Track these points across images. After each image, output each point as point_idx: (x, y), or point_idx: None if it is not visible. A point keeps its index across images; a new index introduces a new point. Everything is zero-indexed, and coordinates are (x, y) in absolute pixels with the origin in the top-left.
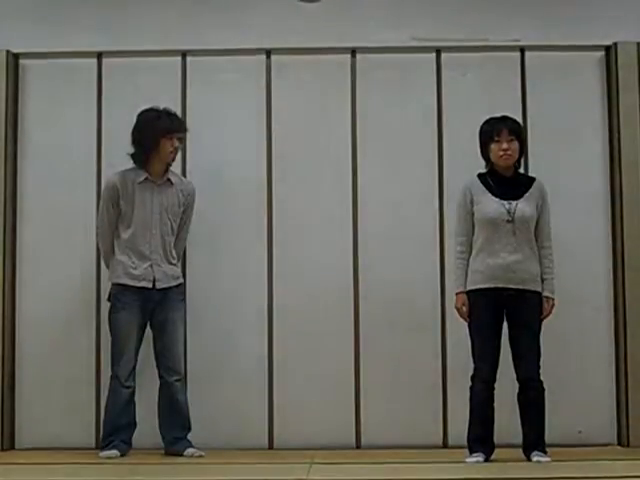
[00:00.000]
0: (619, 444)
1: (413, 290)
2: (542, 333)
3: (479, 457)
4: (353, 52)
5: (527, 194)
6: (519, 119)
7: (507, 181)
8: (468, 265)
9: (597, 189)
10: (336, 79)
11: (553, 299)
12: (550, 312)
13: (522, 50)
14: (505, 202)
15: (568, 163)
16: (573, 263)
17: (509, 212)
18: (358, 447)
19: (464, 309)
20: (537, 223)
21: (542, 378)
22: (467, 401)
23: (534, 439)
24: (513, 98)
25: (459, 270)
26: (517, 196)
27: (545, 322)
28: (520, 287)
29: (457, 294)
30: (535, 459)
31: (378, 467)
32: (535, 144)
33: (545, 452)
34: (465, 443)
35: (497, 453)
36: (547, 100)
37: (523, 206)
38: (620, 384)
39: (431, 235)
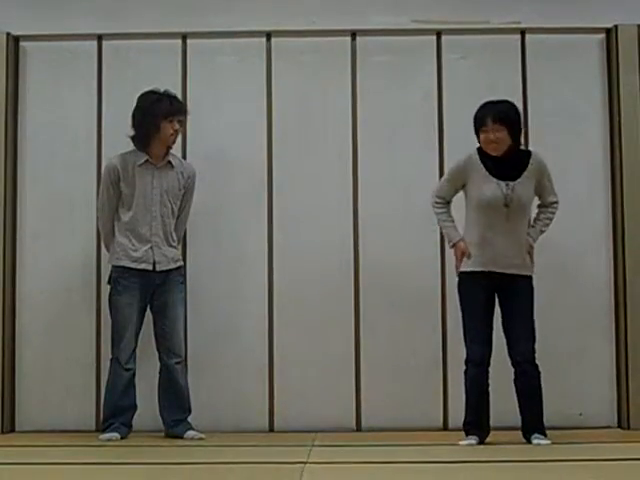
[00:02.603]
0: (619, 427)
1: (413, 272)
2: (542, 315)
3: (472, 440)
4: (353, 35)
5: (525, 173)
6: (519, 102)
7: (504, 160)
8: (452, 217)
9: (598, 171)
10: (336, 62)
11: (531, 244)
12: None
13: (522, 32)
14: (503, 184)
15: (568, 146)
16: (573, 245)
17: (506, 197)
18: (358, 429)
19: (464, 258)
20: (540, 193)
21: (538, 362)
22: None
23: (533, 422)
24: (513, 81)
25: (446, 223)
26: (515, 176)
27: (545, 304)
28: (512, 272)
29: (455, 244)
30: (535, 442)
31: (378, 449)
32: (535, 126)
33: (545, 435)
34: None
35: (498, 436)
36: (547, 83)
37: (520, 189)
38: (620, 367)
39: (431, 217)
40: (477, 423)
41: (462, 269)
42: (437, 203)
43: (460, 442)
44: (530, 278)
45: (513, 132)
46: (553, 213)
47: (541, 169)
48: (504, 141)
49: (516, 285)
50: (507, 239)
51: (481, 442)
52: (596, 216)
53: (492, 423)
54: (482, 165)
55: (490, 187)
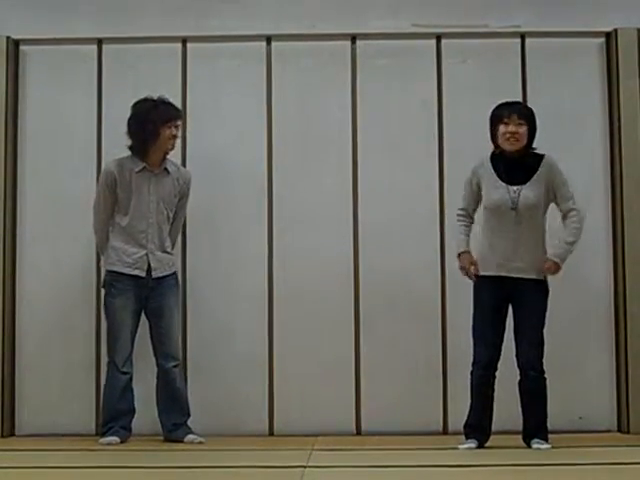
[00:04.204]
0: (619, 430)
1: (413, 276)
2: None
3: (471, 444)
4: (353, 38)
5: (535, 177)
6: None
7: (515, 164)
8: (469, 230)
9: (598, 175)
10: (336, 66)
11: (556, 262)
12: (552, 272)
13: (522, 36)
14: (511, 188)
15: (568, 149)
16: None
17: (513, 200)
18: (358, 433)
19: (472, 268)
20: (555, 198)
21: (545, 368)
22: (467, 387)
23: (534, 427)
24: (513, 84)
25: (460, 235)
26: (524, 180)
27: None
28: (520, 276)
29: (460, 254)
30: (535, 446)
31: (378, 453)
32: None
33: (546, 440)
34: None
35: (498, 440)
36: (547, 86)
37: (528, 192)
38: (620, 370)
39: (431, 222)
40: (477, 427)
41: (477, 274)
42: (458, 215)
43: (459, 446)
44: (541, 283)
45: (531, 132)
46: (575, 222)
47: (552, 172)
48: (523, 137)
49: (525, 290)
50: (515, 244)
51: (480, 446)
52: (596, 220)
53: (493, 427)
54: (493, 170)
55: (498, 192)
